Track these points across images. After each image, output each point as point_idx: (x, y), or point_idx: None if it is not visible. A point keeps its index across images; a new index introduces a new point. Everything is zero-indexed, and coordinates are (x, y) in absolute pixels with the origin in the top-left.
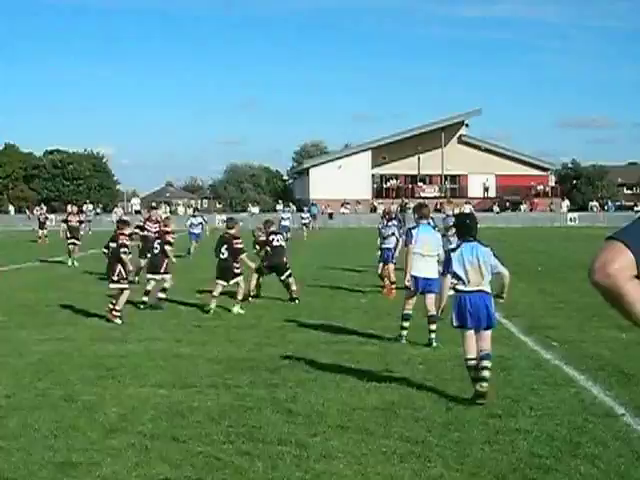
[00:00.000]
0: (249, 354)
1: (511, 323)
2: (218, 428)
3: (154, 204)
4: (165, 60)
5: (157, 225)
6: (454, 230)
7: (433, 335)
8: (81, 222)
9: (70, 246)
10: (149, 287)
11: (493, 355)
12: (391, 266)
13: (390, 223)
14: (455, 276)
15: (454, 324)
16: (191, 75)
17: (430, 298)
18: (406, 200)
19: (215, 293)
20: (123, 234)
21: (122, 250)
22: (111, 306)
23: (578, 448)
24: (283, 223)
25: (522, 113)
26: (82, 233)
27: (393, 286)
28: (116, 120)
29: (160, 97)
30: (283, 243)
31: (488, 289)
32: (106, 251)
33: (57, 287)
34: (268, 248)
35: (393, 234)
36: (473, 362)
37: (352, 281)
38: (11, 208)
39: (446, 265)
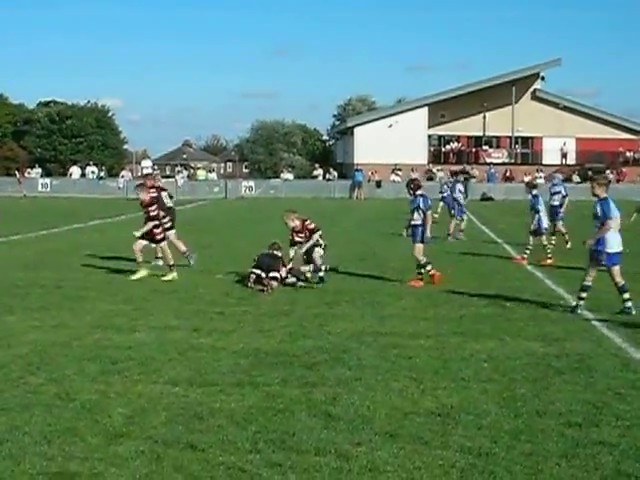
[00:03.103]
0: (281, 346)
1: (593, 315)
2: (243, 434)
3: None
4: None
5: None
6: None
7: (629, 304)
8: None
9: None
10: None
11: (571, 353)
12: (418, 246)
13: (418, 192)
14: None
15: None
16: (213, 15)
17: (615, 270)
18: (468, 167)
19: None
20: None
21: None
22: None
23: None
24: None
25: (610, 64)
26: None
27: (425, 270)
28: (124, 68)
29: (177, 40)
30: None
31: None
32: None
33: (52, 264)
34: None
35: (417, 208)
36: None
37: (404, 262)
38: None
39: None
